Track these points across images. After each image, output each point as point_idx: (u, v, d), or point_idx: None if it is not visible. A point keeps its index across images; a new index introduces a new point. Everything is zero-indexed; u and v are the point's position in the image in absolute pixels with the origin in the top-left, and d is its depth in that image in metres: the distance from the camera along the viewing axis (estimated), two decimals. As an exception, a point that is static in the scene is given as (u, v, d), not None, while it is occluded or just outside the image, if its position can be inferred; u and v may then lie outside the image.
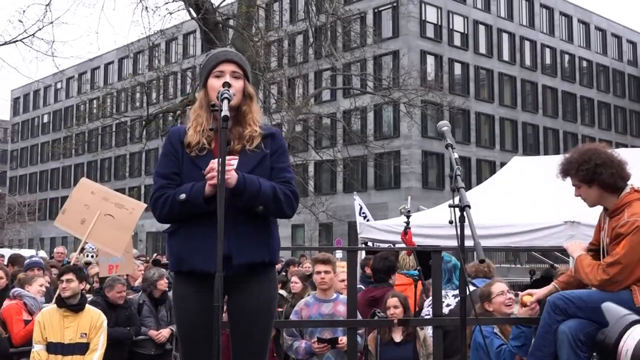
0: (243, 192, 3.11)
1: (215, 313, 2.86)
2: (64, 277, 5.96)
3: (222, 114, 2.98)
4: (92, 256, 12.20)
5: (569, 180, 4.35)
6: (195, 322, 3.23)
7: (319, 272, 5.61)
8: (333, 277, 5.69)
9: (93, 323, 6.01)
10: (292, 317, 5.68)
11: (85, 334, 5.92)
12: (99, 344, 5.99)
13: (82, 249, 14.36)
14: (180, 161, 3.31)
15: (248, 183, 3.14)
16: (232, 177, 3.09)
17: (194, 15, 17.01)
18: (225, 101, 3.06)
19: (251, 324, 3.27)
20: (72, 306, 5.95)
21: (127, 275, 9.04)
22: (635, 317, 3.80)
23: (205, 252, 3.14)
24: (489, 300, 5.00)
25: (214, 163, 3.07)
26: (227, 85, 3.18)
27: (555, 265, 11.10)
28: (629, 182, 4.22)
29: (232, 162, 3.17)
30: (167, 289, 7.65)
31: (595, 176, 4.17)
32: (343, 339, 5.30)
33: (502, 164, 22.06)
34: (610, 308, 3.83)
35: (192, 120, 3.36)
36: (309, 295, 6.31)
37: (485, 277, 8.27)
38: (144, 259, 12.61)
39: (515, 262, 36.17)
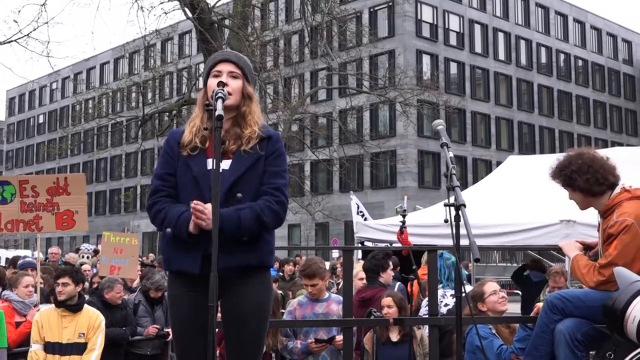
0: (222, 232, 3.02)
1: (210, 313, 2.85)
2: (60, 281, 5.93)
3: (216, 113, 2.97)
4: (88, 257, 12.21)
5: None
6: (189, 322, 3.23)
7: (306, 286, 5.66)
8: (322, 284, 5.65)
9: (91, 323, 5.99)
10: (286, 317, 5.67)
11: (84, 333, 5.91)
12: (97, 343, 5.97)
13: (78, 249, 14.36)
14: (175, 161, 3.32)
15: (226, 222, 3.07)
16: (207, 224, 3.06)
17: (190, 15, 16.98)
18: (219, 100, 3.05)
19: (243, 327, 3.26)
20: (70, 306, 5.94)
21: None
22: None
23: (189, 253, 3.18)
24: (482, 300, 5.00)
25: (202, 208, 3.06)
26: (221, 84, 3.18)
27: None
28: (619, 183, 4.25)
29: (206, 209, 3.10)
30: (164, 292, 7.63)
31: (571, 182, 4.26)
32: (339, 337, 5.30)
33: (498, 163, 22.09)
34: (622, 273, 3.84)
35: (190, 120, 3.39)
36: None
37: (541, 272, 8.38)
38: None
39: (512, 261, 36.23)
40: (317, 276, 5.55)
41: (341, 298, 5.76)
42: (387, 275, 6.65)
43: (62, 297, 5.91)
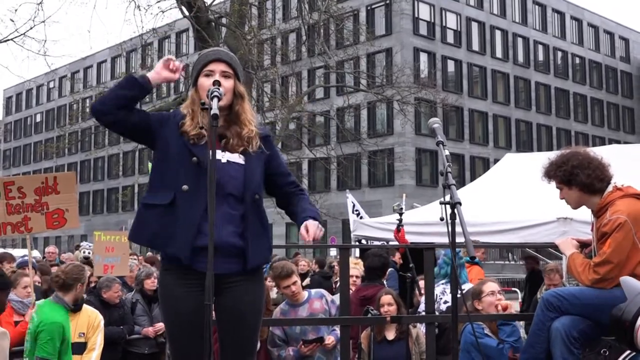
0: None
1: (206, 312, 2.86)
2: None
3: (212, 112, 2.98)
4: (90, 252, 12.20)
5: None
6: (183, 320, 3.21)
7: (287, 287, 5.44)
8: (298, 280, 5.56)
9: (91, 322, 5.97)
10: (273, 329, 5.50)
11: (84, 333, 5.88)
12: (97, 343, 5.96)
13: (78, 246, 14.38)
14: (161, 126, 3.35)
15: (320, 219, 3.41)
16: (320, 232, 3.31)
17: (187, 13, 16.97)
18: (215, 99, 3.06)
19: (240, 325, 3.27)
20: (74, 306, 5.91)
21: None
22: None
23: (179, 238, 3.18)
24: (479, 298, 5.01)
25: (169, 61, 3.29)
26: (217, 83, 3.19)
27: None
28: (612, 181, 4.26)
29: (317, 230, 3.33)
30: (155, 288, 7.63)
31: (572, 177, 4.24)
32: (330, 338, 5.28)
33: (496, 161, 22.11)
34: (629, 282, 3.81)
35: (188, 114, 3.35)
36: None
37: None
38: (135, 259, 12.59)
39: (509, 259, 36.29)
40: (293, 272, 5.49)
41: (322, 291, 5.74)
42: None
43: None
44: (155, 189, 3.31)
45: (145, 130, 3.34)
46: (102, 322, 6.12)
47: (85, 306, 6.09)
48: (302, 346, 5.29)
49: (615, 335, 3.84)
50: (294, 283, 5.44)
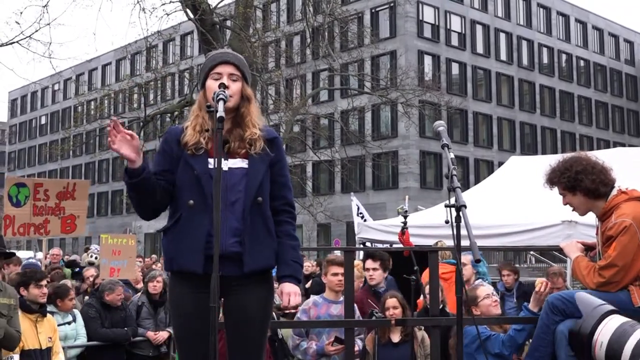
0: (300, 281, 3.40)
1: (212, 314, 2.86)
2: (43, 283, 5.85)
3: (217, 114, 2.99)
4: (96, 257, 12.22)
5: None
6: (192, 323, 3.23)
7: (336, 274, 5.52)
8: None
9: (52, 326, 5.98)
10: (300, 315, 5.59)
11: (51, 337, 5.88)
12: (59, 346, 5.99)
13: (87, 249, 14.45)
14: (174, 159, 3.33)
15: (299, 272, 3.39)
16: (297, 299, 3.30)
17: (191, 16, 16.99)
18: (221, 102, 3.06)
19: (247, 328, 3.28)
20: (44, 311, 5.89)
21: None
22: (610, 307, 3.79)
23: (191, 252, 3.19)
24: (475, 304, 5.00)
25: (113, 129, 3.14)
26: (222, 86, 3.19)
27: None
28: (616, 185, 4.26)
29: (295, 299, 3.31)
30: (160, 291, 7.64)
31: (576, 183, 4.24)
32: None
33: (500, 164, 22.06)
34: (584, 298, 3.82)
35: (192, 120, 3.37)
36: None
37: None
38: (140, 262, 12.62)
39: (514, 262, 36.18)
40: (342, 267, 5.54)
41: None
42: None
43: (45, 300, 5.88)
44: (170, 214, 3.36)
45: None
46: (56, 323, 6.16)
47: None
48: (330, 345, 5.31)
49: (575, 350, 3.84)
50: (343, 275, 5.41)
